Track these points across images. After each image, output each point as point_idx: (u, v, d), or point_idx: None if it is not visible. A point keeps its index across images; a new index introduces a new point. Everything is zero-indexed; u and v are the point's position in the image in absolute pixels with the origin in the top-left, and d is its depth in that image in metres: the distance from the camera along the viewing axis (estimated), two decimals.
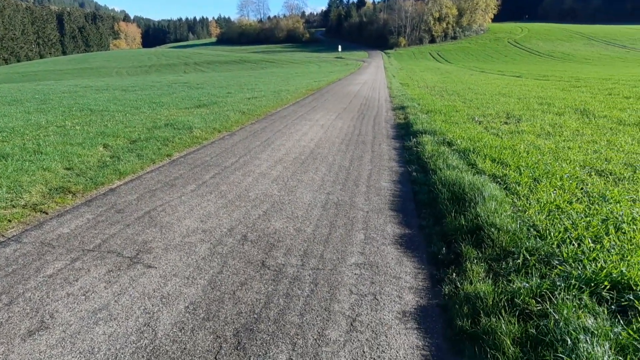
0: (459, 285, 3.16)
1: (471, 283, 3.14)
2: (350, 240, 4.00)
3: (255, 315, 2.80)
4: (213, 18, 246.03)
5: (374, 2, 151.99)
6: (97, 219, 4.24)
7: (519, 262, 3.31)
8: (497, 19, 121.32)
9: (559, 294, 2.84)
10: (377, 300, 3.07)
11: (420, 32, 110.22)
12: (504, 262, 3.38)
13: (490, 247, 3.61)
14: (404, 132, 9.79)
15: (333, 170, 6.39)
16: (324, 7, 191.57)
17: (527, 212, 4.20)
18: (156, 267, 3.32)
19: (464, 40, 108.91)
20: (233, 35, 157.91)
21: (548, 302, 2.79)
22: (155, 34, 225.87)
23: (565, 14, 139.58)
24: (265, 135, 8.82)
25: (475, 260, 3.47)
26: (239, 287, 3.11)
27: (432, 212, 4.73)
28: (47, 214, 4.36)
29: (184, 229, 4.05)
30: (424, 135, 8.52)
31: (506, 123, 10.37)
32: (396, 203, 5.10)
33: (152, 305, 2.86)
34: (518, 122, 10.35)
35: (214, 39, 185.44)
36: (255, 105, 13.28)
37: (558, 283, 2.97)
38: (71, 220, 4.19)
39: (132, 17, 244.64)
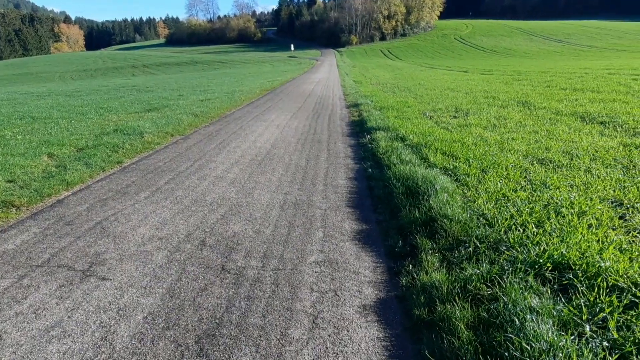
0: (416, 276, 3.27)
1: (427, 273, 3.27)
2: (309, 239, 4.05)
3: (217, 320, 2.79)
4: (161, 18, 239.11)
5: (324, 0, 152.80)
6: (44, 232, 4.06)
7: (470, 250, 3.48)
8: (443, 16, 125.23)
9: (507, 277, 3.01)
10: (338, 296, 3.13)
11: (371, 30, 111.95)
12: (456, 251, 3.53)
13: (444, 238, 3.76)
14: (359, 129, 9.95)
15: (290, 170, 6.42)
16: (274, 6, 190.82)
17: (476, 202, 4.41)
18: (111, 279, 3.22)
19: (413, 37, 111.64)
20: (182, 35, 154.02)
21: (497, 286, 2.95)
22: (99, 36, 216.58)
23: (506, 11, 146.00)
24: (220, 138, 8.71)
25: (430, 251, 3.60)
26: (199, 293, 3.08)
27: (388, 206, 4.85)
28: None
29: (139, 238, 3.95)
30: (377, 132, 8.70)
31: (455, 117, 10.75)
32: (353, 200, 5.19)
33: (109, 319, 2.78)
34: (466, 115, 10.75)
35: (162, 40, 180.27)
36: (209, 107, 13.07)
37: (506, 267, 3.14)
38: (16, 235, 3.98)
39: (73, 19, 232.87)
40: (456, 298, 2.90)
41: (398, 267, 3.53)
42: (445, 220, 3.94)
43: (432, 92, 17.22)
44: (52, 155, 6.93)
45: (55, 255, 3.59)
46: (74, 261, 3.49)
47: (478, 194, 4.64)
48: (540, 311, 2.64)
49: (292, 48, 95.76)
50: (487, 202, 4.37)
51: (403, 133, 8.28)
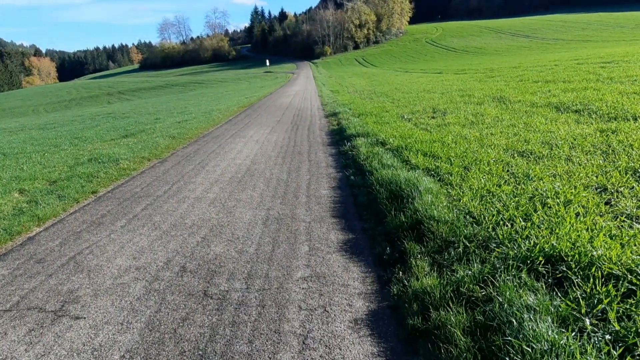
0: (407, 283, 3.15)
1: (417, 279, 3.15)
2: (294, 254, 3.90)
3: (201, 352, 2.61)
4: (133, 44, 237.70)
5: (295, 14, 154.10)
6: (13, 273, 3.82)
7: (460, 251, 3.37)
8: (413, 21, 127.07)
9: (500, 276, 2.90)
10: (328, 312, 2.98)
11: (344, 40, 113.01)
12: (446, 253, 3.42)
13: (432, 240, 3.65)
14: (339, 137, 9.87)
15: (271, 184, 6.27)
16: (246, 24, 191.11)
17: (461, 201, 4.32)
18: (85, 317, 3.02)
19: (386, 43, 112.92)
20: (156, 59, 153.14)
21: (491, 286, 2.84)
22: (72, 67, 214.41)
23: (473, 12, 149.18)
24: (198, 158, 8.52)
25: (419, 256, 3.49)
26: (181, 324, 2.90)
27: (373, 213, 4.74)
28: None
29: (114, 270, 3.75)
30: (357, 139, 8.62)
31: (433, 117, 10.76)
32: (337, 209, 5.07)
33: None
34: (444, 115, 10.77)
35: (136, 66, 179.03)
36: (186, 128, 12.87)
37: (497, 265, 3.04)
38: None
39: (44, 51, 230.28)
40: (450, 303, 2.79)
41: (388, 275, 3.41)
42: (431, 222, 3.84)
43: (408, 95, 17.31)
44: (23, 191, 6.66)
45: (25, 297, 3.37)
46: (44, 302, 3.28)
47: (462, 192, 4.55)
48: (538, 309, 2.53)
49: (268, 63, 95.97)
50: (472, 200, 4.28)
51: (383, 137, 8.21)
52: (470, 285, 2.89)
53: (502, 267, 3.00)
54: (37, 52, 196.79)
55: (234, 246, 4.14)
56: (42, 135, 15.71)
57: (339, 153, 8.22)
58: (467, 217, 3.94)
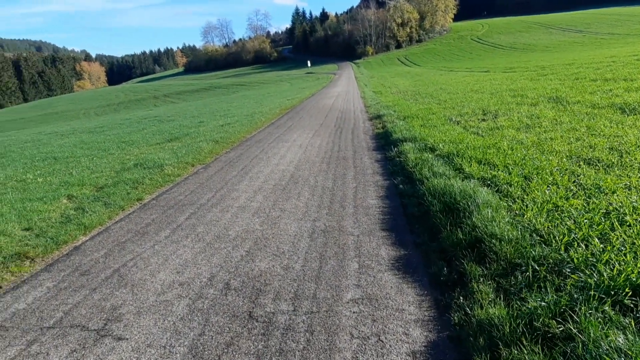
0: (469, 312, 2.84)
1: (482, 307, 2.83)
2: (343, 272, 3.66)
3: None
4: (178, 48, 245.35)
5: (336, 14, 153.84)
6: (58, 286, 3.80)
7: (529, 275, 3.02)
8: (457, 18, 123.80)
9: (580, 309, 2.55)
10: (382, 342, 2.72)
11: (385, 39, 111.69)
12: (512, 277, 3.08)
13: (495, 261, 3.31)
14: (384, 142, 9.55)
15: (316, 193, 6.07)
16: (288, 25, 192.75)
17: (525, 216, 3.93)
18: (127, 338, 2.91)
19: (429, 42, 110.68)
20: (200, 62, 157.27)
21: (570, 321, 2.49)
22: (120, 71, 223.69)
23: (521, 7, 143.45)
24: (241, 164, 8.46)
25: (481, 279, 3.16)
26: (225, 350, 2.73)
27: (426, 226, 4.43)
28: (0, 287, 3.91)
29: (158, 285, 3.65)
30: (404, 144, 8.28)
31: (484, 120, 10.24)
32: (386, 221, 4.79)
33: None
34: (495, 117, 10.23)
35: (181, 69, 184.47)
36: (229, 132, 12.93)
37: (576, 296, 2.68)
38: (28, 292, 3.74)
39: (94, 56, 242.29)
40: (522, 339, 2.46)
41: (447, 300, 3.11)
42: (493, 240, 3.49)
43: (455, 95, 16.69)
44: (71, 197, 6.79)
45: (69, 312, 3.32)
46: (88, 319, 3.20)
47: (525, 206, 4.16)
48: (630, 352, 2.17)
49: (309, 64, 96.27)
50: (537, 215, 3.89)
51: (432, 143, 7.83)
52: (546, 320, 2.54)
53: (582, 298, 2.64)
54: (87, 57, 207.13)
55: (279, 261, 3.95)
56: (91, 138, 16.28)
57: (385, 159, 7.92)
58: (534, 235, 3.56)
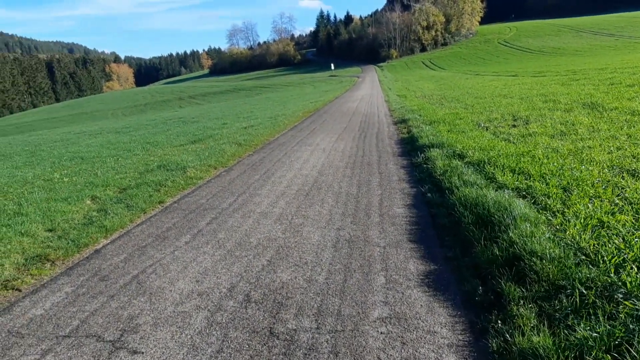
0: (509, 338, 2.59)
1: (523, 334, 2.58)
2: (369, 287, 3.45)
3: None
4: (204, 50, 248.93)
5: (361, 17, 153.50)
6: (77, 291, 3.71)
7: (575, 300, 2.75)
8: (484, 21, 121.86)
9: (638, 342, 2.28)
10: None
11: (410, 42, 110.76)
12: (556, 302, 2.82)
13: (536, 282, 3.05)
14: (410, 147, 9.29)
15: (341, 199, 5.87)
16: (312, 28, 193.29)
17: (567, 232, 3.65)
18: (143, 352, 2.77)
19: (455, 45, 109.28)
20: (225, 64, 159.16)
21: (628, 357, 2.22)
22: (147, 72, 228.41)
23: (551, 10, 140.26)
24: (264, 167, 8.33)
25: (521, 302, 2.91)
26: None
27: (457, 239, 4.18)
28: (20, 291, 3.84)
29: (176, 295, 3.51)
30: (431, 149, 8.01)
31: (514, 126, 9.87)
32: (414, 232, 4.56)
33: None
34: (527, 123, 9.85)
35: (206, 71, 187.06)
36: (252, 134, 12.85)
37: (632, 327, 2.41)
38: (47, 297, 3.66)
39: (123, 58, 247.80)
40: None
41: (483, 323, 2.87)
42: (533, 258, 3.23)
43: (483, 100, 16.26)
44: (95, 198, 6.77)
45: (85, 321, 3.21)
46: (104, 328, 3.08)
47: (567, 221, 3.87)
48: None
49: (333, 67, 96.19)
50: (581, 232, 3.60)
51: (460, 149, 7.54)
52: (599, 354, 2.28)
53: (639, 329, 2.37)
54: (116, 59, 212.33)
55: (301, 273, 3.77)
56: (118, 139, 16.47)
57: (411, 165, 7.66)
58: (578, 254, 3.28)
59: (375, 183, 6.62)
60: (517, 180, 5.24)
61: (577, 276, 2.94)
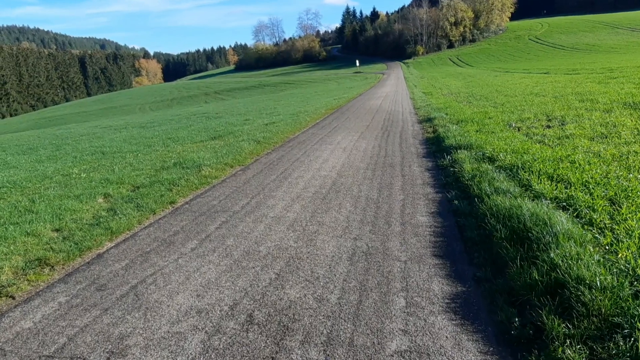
0: None
1: None
2: (387, 311, 3.05)
3: None
4: (230, 46, 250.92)
5: (387, 13, 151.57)
6: (70, 302, 3.43)
7: (637, 345, 2.29)
8: (514, 17, 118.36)
9: None
10: None
11: (437, 39, 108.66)
12: (611, 344, 2.36)
13: (585, 317, 2.59)
14: (435, 148, 8.79)
15: (359, 204, 5.47)
16: (337, 24, 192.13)
17: (620, 254, 3.16)
18: None
19: (483, 41, 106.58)
20: (250, 60, 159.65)
21: None
22: (175, 68, 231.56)
23: (584, 5, 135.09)
24: (281, 167, 7.99)
25: (567, 341, 2.46)
26: None
27: (488, 256, 3.73)
28: (13, 299, 3.59)
29: (174, 311, 3.19)
30: (459, 151, 7.51)
31: (549, 127, 9.25)
32: (439, 245, 4.12)
33: None
34: (562, 124, 9.22)
35: (232, 67, 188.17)
36: (272, 131, 12.54)
37: None
38: (39, 307, 3.40)
39: (152, 54, 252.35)
40: None
41: None
42: (581, 287, 2.77)
43: (513, 98, 15.52)
44: (107, 196, 6.57)
45: (73, 339, 2.91)
46: (91, 349, 2.78)
47: (618, 241, 3.37)
48: None
49: (358, 64, 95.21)
50: (637, 256, 3.10)
51: (490, 151, 7.02)
52: None
53: None
54: (146, 55, 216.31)
55: (312, 290, 3.40)
56: (141, 134, 16.44)
57: (436, 167, 7.19)
58: (635, 283, 2.80)
59: (397, 187, 6.19)
60: (555, 189, 4.73)
61: (635, 312, 2.48)
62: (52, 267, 4.15)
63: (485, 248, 3.87)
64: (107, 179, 7.72)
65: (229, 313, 3.12)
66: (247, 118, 18.37)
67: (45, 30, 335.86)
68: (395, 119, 14.30)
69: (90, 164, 9.89)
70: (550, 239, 3.41)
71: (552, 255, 3.17)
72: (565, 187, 4.77)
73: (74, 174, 8.69)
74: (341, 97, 25.66)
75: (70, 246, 4.54)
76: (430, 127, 11.56)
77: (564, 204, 4.36)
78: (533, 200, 4.45)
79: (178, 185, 6.80)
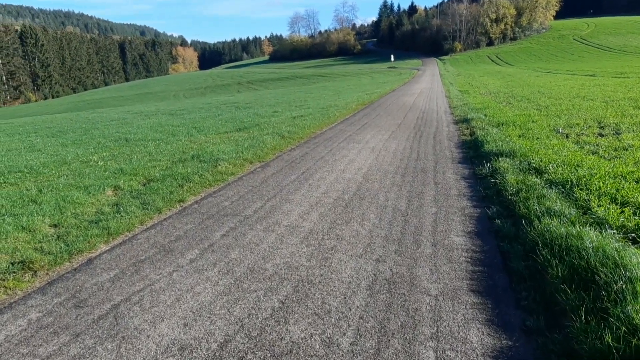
0: None
1: None
2: None
3: None
4: (265, 37, 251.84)
5: (425, 8, 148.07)
6: (42, 321, 2.96)
7: None
8: (559, 15, 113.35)
9: None
10: None
11: (476, 36, 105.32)
12: None
13: None
14: (473, 153, 8.02)
15: (385, 217, 4.83)
16: (374, 18, 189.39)
17: None
18: None
19: (525, 40, 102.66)
20: (285, 52, 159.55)
21: None
22: (211, 56, 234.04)
23: (635, 5, 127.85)
24: (303, 166, 7.41)
25: None
26: None
27: (540, 298, 3.03)
28: None
29: (152, 344, 2.66)
30: (500, 159, 6.74)
31: (601, 135, 8.34)
32: (478, 277, 3.45)
33: None
34: (617, 133, 8.29)
35: (266, 57, 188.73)
36: (299, 126, 11.96)
37: None
38: (6, 324, 2.93)
39: (189, 42, 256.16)
40: None
41: None
42: None
43: (558, 101, 14.43)
44: (117, 189, 6.17)
45: None
46: None
47: None
48: None
49: (392, 58, 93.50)
50: None
51: (537, 162, 6.22)
52: None
53: None
54: (183, 42, 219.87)
55: (321, 328, 2.80)
56: (168, 121, 16.20)
57: (474, 176, 6.45)
58: None
59: (429, 197, 5.50)
60: (622, 215, 3.96)
61: None
62: (35, 272, 3.71)
63: (536, 287, 3.17)
64: (121, 169, 7.35)
65: (217, 355, 2.57)
66: (275, 110, 17.90)
67: (89, 15, 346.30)
68: (429, 118, 13.48)
69: (111, 151, 9.61)
70: (624, 286, 2.70)
71: (628, 309, 2.47)
72: (634, 214, 3.99)
73: (92, 162, 8.40)
74: (374, 92, 24.84)
75: (61, 248, 4.10)
76: (467, 128, 10.73)
77: (633, 235, 3.60)
78: (595, 228, 3.71)
79: (190, 182, 6.33)
